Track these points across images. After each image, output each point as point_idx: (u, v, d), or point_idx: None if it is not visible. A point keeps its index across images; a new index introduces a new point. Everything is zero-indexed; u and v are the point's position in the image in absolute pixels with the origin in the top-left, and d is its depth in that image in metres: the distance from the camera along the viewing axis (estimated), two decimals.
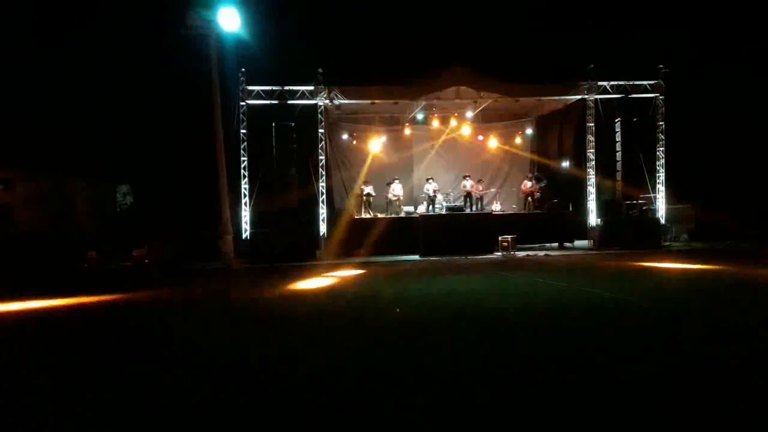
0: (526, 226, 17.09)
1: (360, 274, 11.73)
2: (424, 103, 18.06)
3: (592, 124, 17.21)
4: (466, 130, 19.56)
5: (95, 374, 4.43)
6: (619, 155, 17.08)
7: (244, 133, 16.15)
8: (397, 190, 18.46)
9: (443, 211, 17.18)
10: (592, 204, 17.21)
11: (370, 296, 8.42)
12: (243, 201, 16.20)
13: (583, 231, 17.49)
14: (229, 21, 15.16)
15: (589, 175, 17.29)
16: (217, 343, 5.41)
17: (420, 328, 5.75)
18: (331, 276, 11.41)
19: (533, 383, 3.75)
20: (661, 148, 17.16)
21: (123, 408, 3.54)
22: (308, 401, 3.51)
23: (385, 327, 5.88)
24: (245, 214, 16.18)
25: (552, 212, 17.75)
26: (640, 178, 16.79)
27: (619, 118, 17.04)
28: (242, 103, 16.06)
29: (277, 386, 3.87)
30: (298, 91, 16.25)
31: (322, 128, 16.53)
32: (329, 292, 9.06)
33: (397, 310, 6.67)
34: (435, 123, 19.60)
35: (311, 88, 16.21)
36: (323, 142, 16.61)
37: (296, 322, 6.42)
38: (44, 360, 5.00)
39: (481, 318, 6.26)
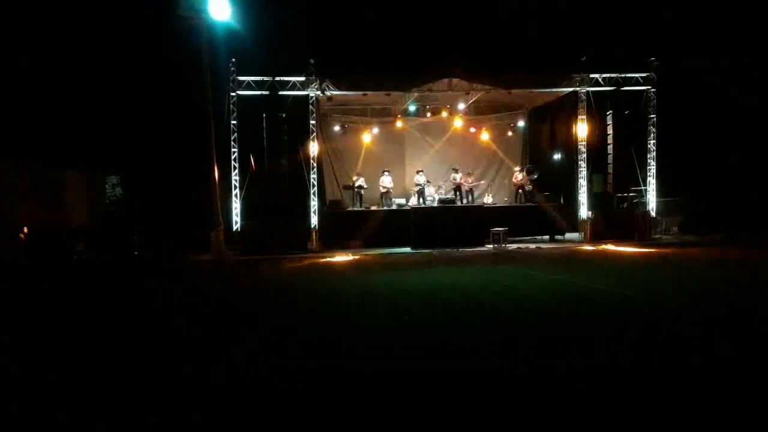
0: (517, 218, 17.10)
1: (353, 261, 11.71)
2: (416, 95, 17.97)
3: (584, 117, 17.19)
4: (459, 123, 19.52)
5: None
6: (610, 148, 17.11)
7: (234, 124, 16.01)
8: (386, 182, 18.34)
9: (435, 204, 17.15)
10: (583, 196, 17.22)
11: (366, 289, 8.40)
12: (234, 193, 16.09)
13: (574, 223, 17.51)
14: (220, 10, 14.99)
15: (581, 167, 17.29)
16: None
17: (419, 323, 5.74)
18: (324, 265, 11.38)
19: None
20: (652, 141, 17.18)
21: None
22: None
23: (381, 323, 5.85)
24: (236, 205, 16.07)
25: (543, 205, 17.76)
26: (631, 171, 16.82)
27: (610, 111, 17.04)
28: (232, 94, 15.90)
29: None
30: (290, 81, 16.10)
31: (313, 120, 16.40)
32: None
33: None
34: (427, 115, 19.52)
35: (302, 78, 16.05)
36: (314, 134, 16.49)
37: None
38: None
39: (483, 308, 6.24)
